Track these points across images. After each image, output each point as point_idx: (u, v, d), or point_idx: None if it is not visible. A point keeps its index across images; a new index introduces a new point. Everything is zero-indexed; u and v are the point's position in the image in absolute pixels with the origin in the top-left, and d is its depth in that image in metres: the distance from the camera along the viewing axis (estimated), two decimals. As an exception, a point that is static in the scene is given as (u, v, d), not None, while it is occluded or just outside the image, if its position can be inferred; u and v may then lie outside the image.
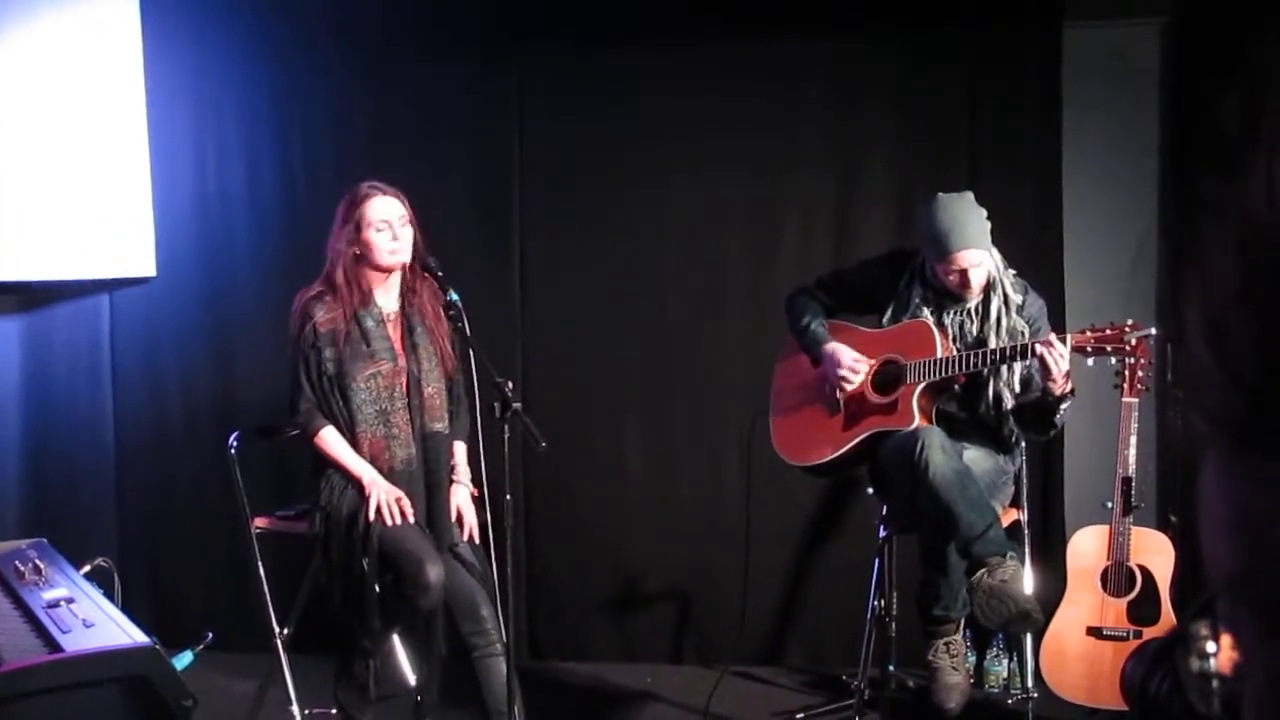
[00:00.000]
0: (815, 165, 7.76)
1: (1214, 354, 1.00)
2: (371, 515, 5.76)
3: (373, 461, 5.87)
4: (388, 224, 5.88)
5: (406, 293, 6.01)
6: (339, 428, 5.90)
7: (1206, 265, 1.01)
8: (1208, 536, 1.05)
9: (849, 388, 6.19)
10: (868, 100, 7.72)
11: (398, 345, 5.94)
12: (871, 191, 7.70)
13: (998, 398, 6.10)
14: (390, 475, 5.88)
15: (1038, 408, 5.97)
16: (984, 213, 6.02)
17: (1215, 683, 1.11)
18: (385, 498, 5.78)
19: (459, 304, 5.70)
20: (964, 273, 5.98)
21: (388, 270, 5.92)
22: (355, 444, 5.88)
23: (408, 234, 5.92)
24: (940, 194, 6.05)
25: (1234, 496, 1.02)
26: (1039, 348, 5.71)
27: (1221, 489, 1.03)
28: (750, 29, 7.73)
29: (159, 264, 8.11)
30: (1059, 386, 5.74)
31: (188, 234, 8.13)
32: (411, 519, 5.81)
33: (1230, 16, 4.41)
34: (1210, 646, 1.10)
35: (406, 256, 5.91)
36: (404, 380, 5.92)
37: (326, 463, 5.94)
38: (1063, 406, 5.88)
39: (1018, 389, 6.08)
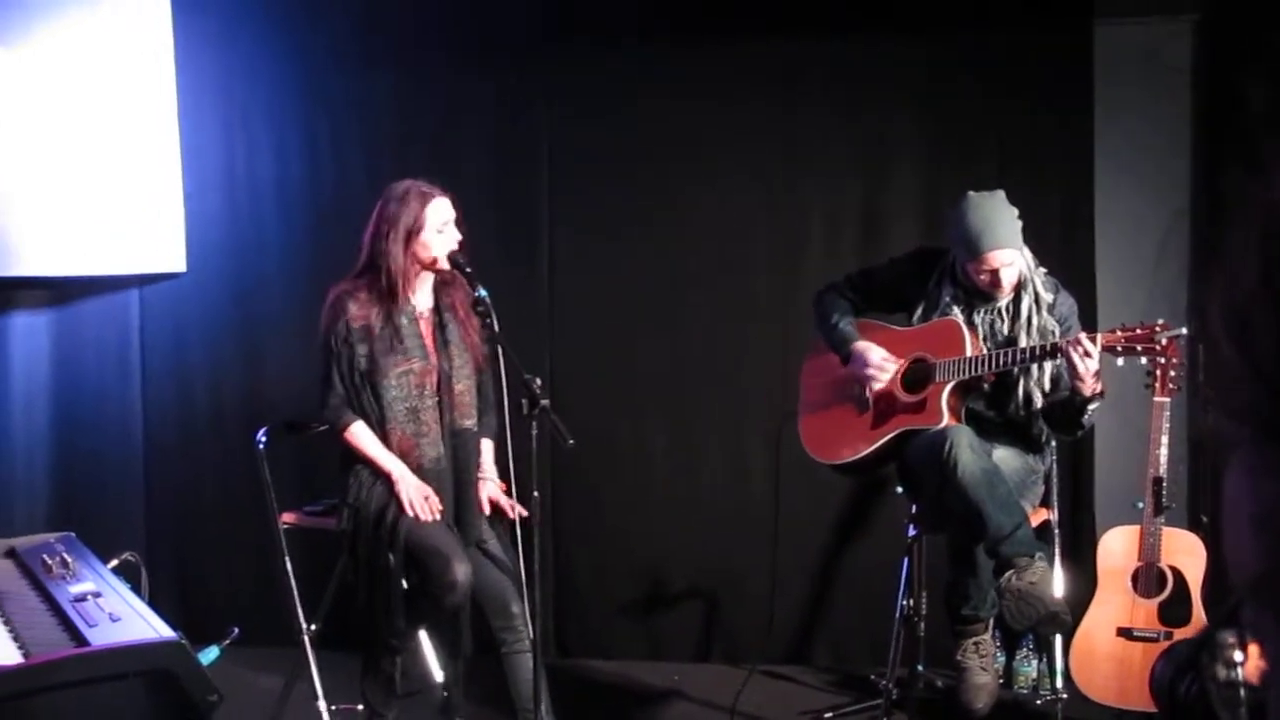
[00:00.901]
0: (843, 165, 7.75)
1: (1238, 349, 0.98)
2: (405, 508, 5.76)
3: (402, 458, 5.87)
4: (447, 225, 5.89)
5: (440, 291, 6.01)
6: (369, 424, 5.90)
7: (1230, 261, 1.00)
8: (1232, 537, 1.03)
9: (877, 386, 6.17)
10: (896, 100, 7.70)
11: (429, 343, 5.94)
12: (900, 191, 7.69)
13: (1027, 397, 6.07)
14: (419, 472, 5.88)
15: (1066, 407, 5.94)
16: (1015, 212, 5.98)
17: (1242, 691, 1.10)
18: (414, 494, 5.78)
19: (488, 300, 5.68)
20: (995, 272, 5.95)
21: (434, 266, 5.91)
22: (385, 440, 5.88)
23: (457, 235, 5.92)
24: (971, 193, 6.02)
25: (1260, 492, 1.00)
26: (1065, 346, 5.68)
27: (1247, 486, 1.01)
28: (778, 31, 7.72)
29: (188, 260, 8.13)
30: (1087, 387, 5.71)
31: (217, 230, 8.15)
32: (439, 516, 5.81)
33: (1263, 13, 4.39)
34: (1238, 655, 1.09)
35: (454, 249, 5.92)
36: (435, 378, 5.92)
37: (354, 459, 5.94)
38: (1090, 407, 5.84)
39: (1048, 388, 6.05)
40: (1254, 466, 1.00)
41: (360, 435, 5.89)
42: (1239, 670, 1.06)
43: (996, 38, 7.56)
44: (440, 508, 5.82)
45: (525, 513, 6.03)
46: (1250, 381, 0.97)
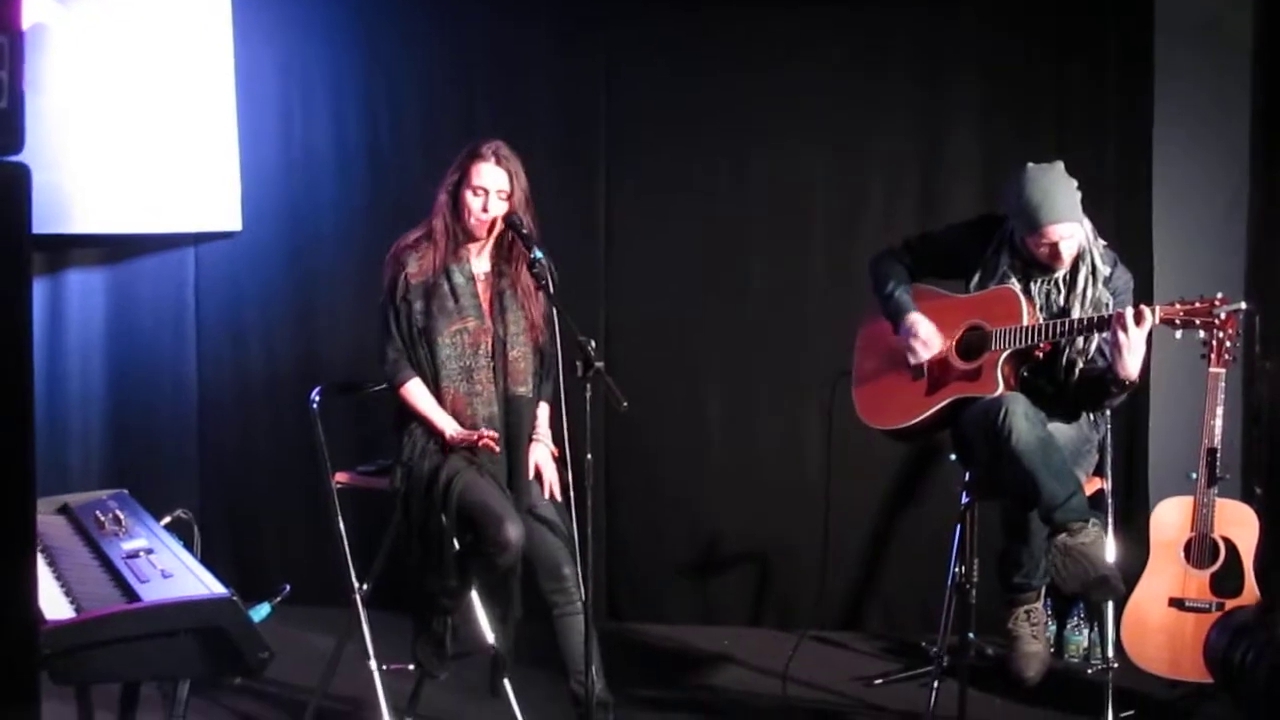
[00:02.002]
0: (901, 133, 7.74)
1: None
2: (463, 439, 5.79)
3: (455, 417, 5.88)
4: (485, 192, 5.88)
5: (500, 257, 6.01)
6: (424, 380, 5.91)
7: None
8: None
9: (914, 361, 6.15)
10: (955, 68, 7.69)
11: (485, 305, 5.94)
12: (957, 160, 7.67)
13: (1070, 365, 6.03)
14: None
15: (1096, 383, 5.90)
16: (1074, 183, 5.93)
17: None
18: (466, 434, 5.81)
19: (544, 261, 5.67)
20: (1055, 245, 5.90)
21: (474, 230, 5.91)
22: (439, 398, 5.89)
23: (499, 208, 5.91)
24: (1030, 165, 5.97)
25: None
26: (1113, 319, 5.63)
27: None
28: (838, -4, 7.71)
29: (244, 219, 8.15)
30: (1124, 366, 5.65)
31: (273, 189, 8.17)
32: (498, 448, 5.83)
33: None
34: None
35: (486, 227, 5.92)
36: (489, 340, 5.92)
37: (409, 419, 5.95)
38: (1115, 390, 5.80)
39: (1090, 358, 6.01)
40: None
41: (415, 392, 5.90)
42: None
43: (1058, 6, 7.52)
44: (496, 434, 5.84)
45: (559, 497, 6.06)
46: None
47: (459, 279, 5.89)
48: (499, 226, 5.91)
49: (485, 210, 5.88)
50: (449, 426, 5.85)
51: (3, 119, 2.37)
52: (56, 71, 7.32)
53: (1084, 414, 6.18)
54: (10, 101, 2.38)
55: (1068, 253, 5.94)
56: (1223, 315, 5.63)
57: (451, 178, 5.92)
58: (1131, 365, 5.64)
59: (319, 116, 8.17)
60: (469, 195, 5.88)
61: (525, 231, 5.81)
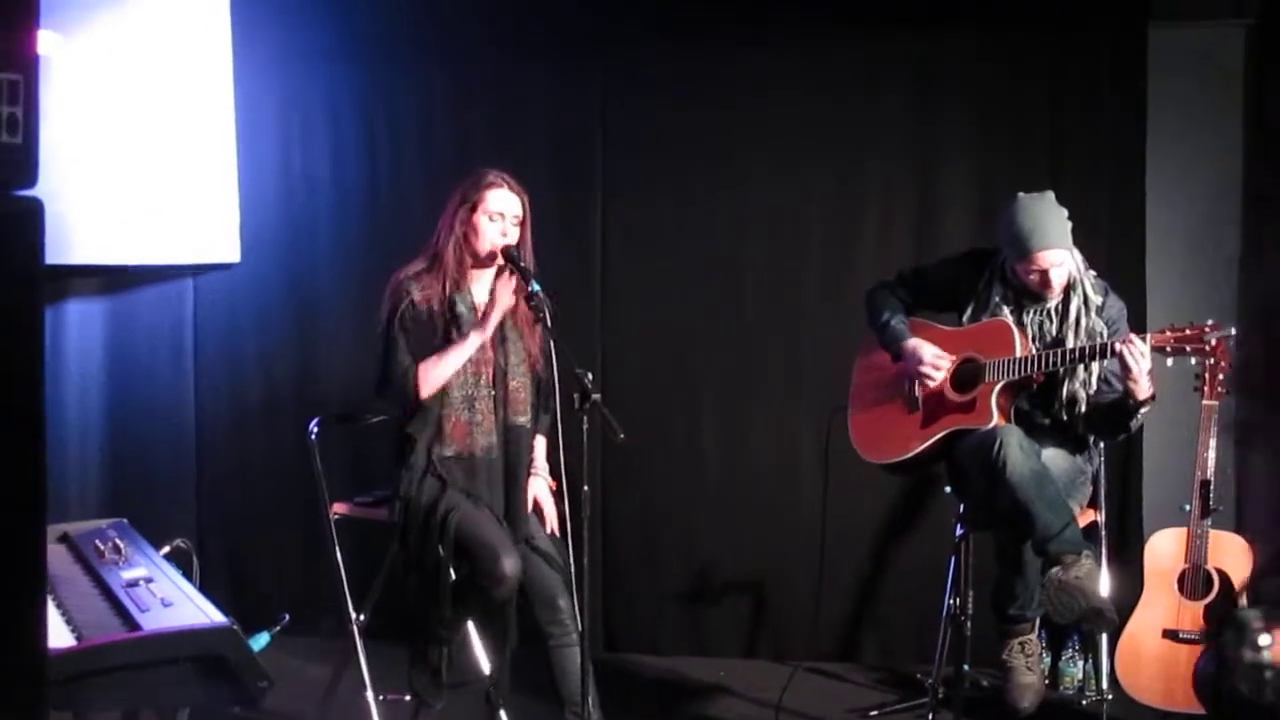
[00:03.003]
0: (895, 163, 7.77)
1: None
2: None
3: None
4: (501, 216, 5.91)
5: (498, 284, 6.03)
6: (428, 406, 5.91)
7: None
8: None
9: (930, 384, 6.18)
10: (949, 99, 7.72)
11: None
12: (951, 190, 7.70)
13: (1072, 398, 6.07)
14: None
15: (1116, 410, 5.94)
16: (1065, 212, 5.99)
17: (1269, 673, 1.12)
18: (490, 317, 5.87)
19: (541, 295, 5.70)
20: (1045, 273, 5.95)
21: (485, 258, 5.94)
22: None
23: (516, 234, 5.94)
24: (1021, 194, 6.04)
25: None
26: (1119, 345, 5.68)
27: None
28: (832, 27, 7.74)
29: (243, 250, 8.17)
30: (1140, 390, 5.71)
31: (271, 221, 8.19)
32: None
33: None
34: (1265, 639, 1.10)
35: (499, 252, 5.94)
36: (490, 371, 5.94)
37: (406, 450, 5.95)
38: (1141, 411, 5.85)
39: (1093, 389, 6.05)
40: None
41: (429, 366, 5.89)
42: (1266, 652, 1.08)
43: (1051, 38, 7.57)
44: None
45: (557, 533, 6.09)
46: None
47: (462, 309, 5.91)
48: (498, 260, 5.93)
49: (504, 235, 5.91)
50: (477, 332, 5.88)
51: (17, 154, 2.41)
52: (57, 102, 7.34)
53: (1088, 444, 6.23)
54: (25, 137, 2.41)
55: (1057, 280, 5.98)
56: (1213, 341, 5.68)
57: (461, 206, 5.93)
58: (1147, 385, 5.70)
59: (318, 148, 8.19)
60: (484, 221, 5.89)
61: (523, 265, 5.84)
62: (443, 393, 5.88)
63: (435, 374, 5.85)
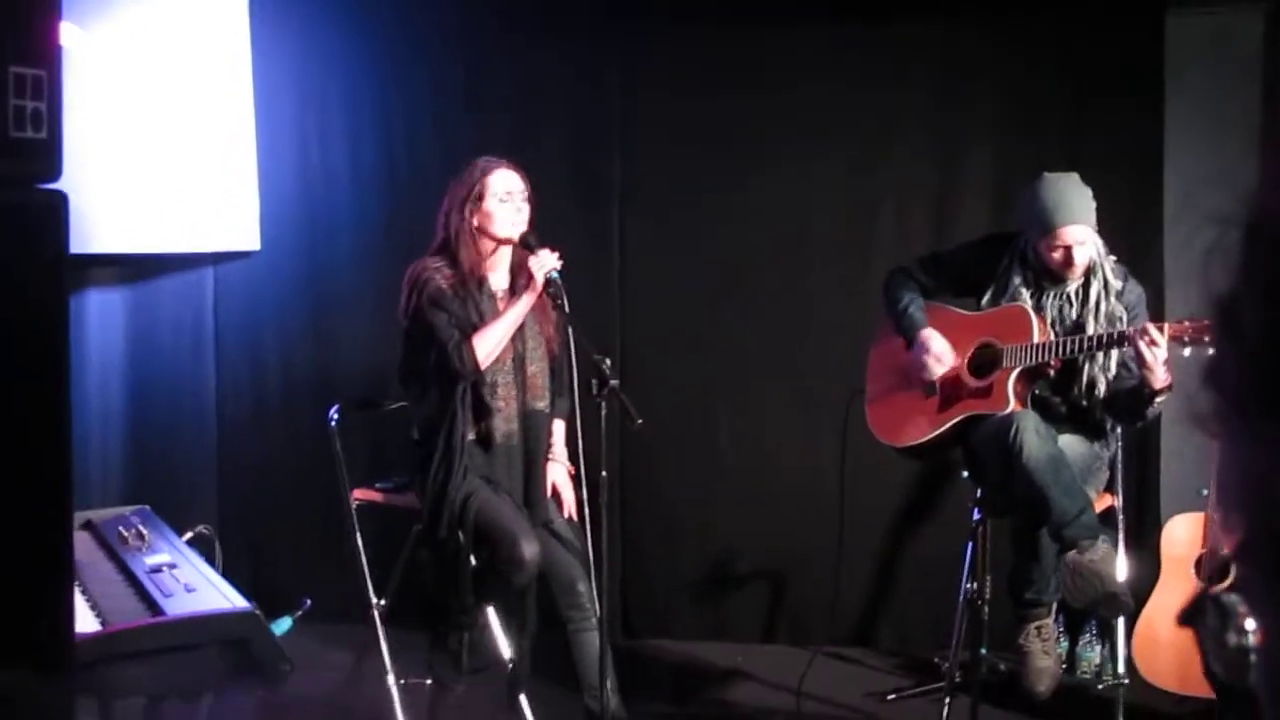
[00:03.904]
0: (915, 151, 7.77)
1: (1226, 331, 1.05)
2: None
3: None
4: (510, 195, 5.94)
5: (516, 272, 6.05)
6: (458, 386, 5.93)
7: (1225, 249, 1.07)
8: (1225, 511, 1.10)
9: (928, 376, 6.20)
10: (968, 87, 7.72)
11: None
12: (971, 178, 7.70)
13: (1091, 383, 6.07)
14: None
15: (1133, 397, 5.94)
16: (1089, 192, 5.99)
17: (1252, 656, 1.14)
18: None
19: (559, 281, 5.73)
20: (1068, 250, 5.95)
21: (505, 242, 5.96)
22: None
23: (527, 210, 5.97)
24: (1046, 173, 6.05)
25: (1247, 465, 1.06)
26: (1134, 335, 5.68)
27: (1236, 461, 1.07)
28: (852, 14, 7.74)
29: (263, 238, 8.20)
30: (1156, 378, 5.70)
31: (291, 209, 8.21)
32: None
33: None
34: (1249, 622, 1.13)
35: (524, 228, 5.96)
36: (510, 356, 5.97)
37: (429, 435, 5.98)
38: (1157, 400, 5.84)
39: (1112, 375, 6.06)
40: (1239, 441, 1.06)
41: (481, 334, 5.86)
42: (1249, 636, 1.10)
43: (1069, 25, 7.57)
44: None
45: (575, 518, 6.12)
46: (1238, 364, 1.04)
47: (483, 296, 5.94)
48: (515, 241, 5.96)
49: (519, 211, 5.94)
50: (529, 293, 5.87)
51: (41, 148, 2.45)
52: (78, 93, 7.37)
53: (1105, 430, 6.24)
54: (49, 132, 2.45)
55: (1080, 259, 5.97)
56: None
57: (467, 197, 5.95)
58: (1163, 374, 5.69)
59: (337, 137, 8.22)
60: (496, 204, 5.92)
61: (539, 246, 5.87)
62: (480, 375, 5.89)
63: (489, 341, 5.85)
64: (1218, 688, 6.05)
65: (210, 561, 4.61)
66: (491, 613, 6.11)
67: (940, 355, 6.17)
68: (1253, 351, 1.03)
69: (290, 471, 8.26)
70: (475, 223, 5.93)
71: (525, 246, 5.89)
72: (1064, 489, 5.72)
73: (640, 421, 5.35)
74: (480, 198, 5.93)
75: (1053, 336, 6.00)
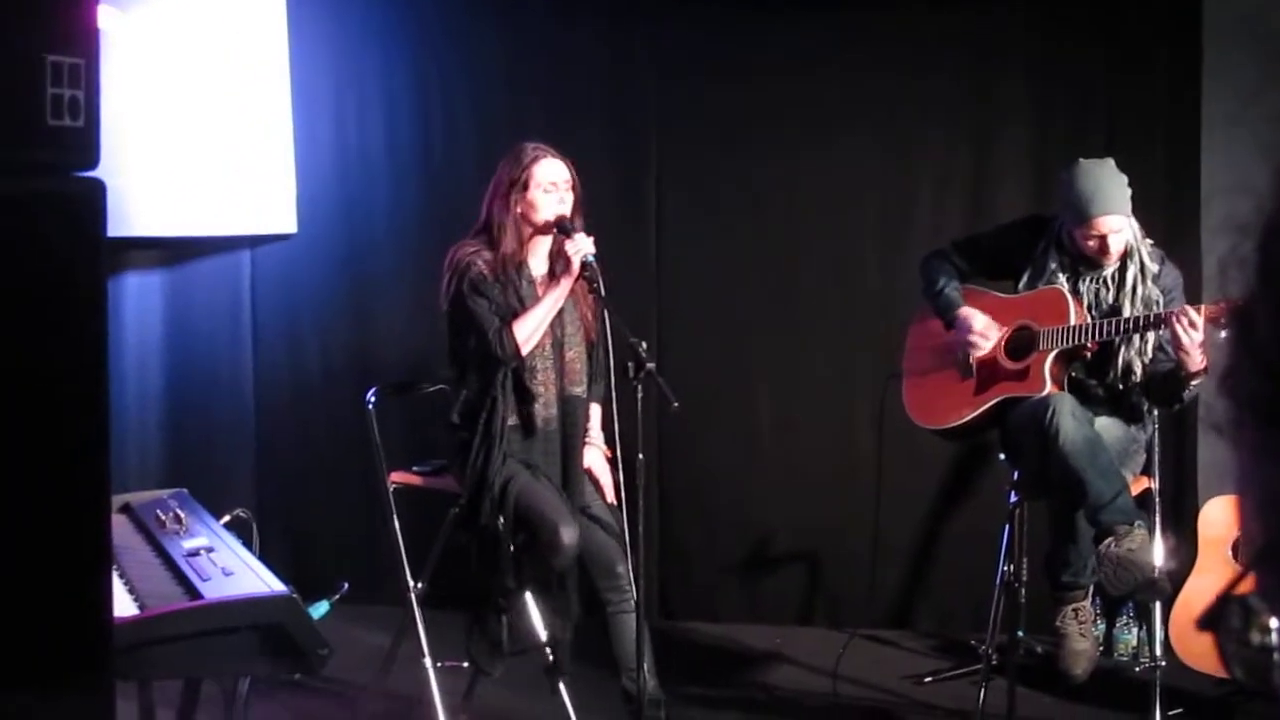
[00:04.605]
0: (950, 133, 7.77)
1: (1242, 341, 1.04)
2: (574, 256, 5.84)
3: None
4: (555, 185, 5.93)
5: (555, 258, 6.05)
6: (499, 370, 5.94)
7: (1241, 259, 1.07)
8: (1245, 517, 1.09)
9: (977, 354, 6.19)
10: (1003, 69, 7.71)
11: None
12: (1006, 160, 7.69)
13: (1128, 367, 6.06)
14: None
15: (1169, 380, 5.93)
16: (1125, 179, 5.98)
17: (1275, 655, 1.14)
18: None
19: (594, 265, 5.74)
20: (1103, 238, 5.94)
21: (545, 229, 5.96)
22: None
23: (571, 199, 5.97)
24: (1082, 160, 6.03)
25: (1265, 474, 1.06)
26: (1171, 316, 5.67)
27: (1254, 469, 1.07)
28: (886, -1, 7.75)
29: (300, 221, 8.22)
30: (1192, 361, 5.68)
31: (328, 191, 8.23)
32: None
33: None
34: (1274, 621, 1.13)
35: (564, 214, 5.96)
36: (548, 341, 5.98)
37: (468, 420, 5.99)
38: (1194, 383, 5.82)
39: (1149, 357, 6.05)
40: (1258, 451, 1.06)
41: (522, 320, 5.88)
42: (1273, 635, 1.10)
43: (1104, 6, 7.55)
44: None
45: (613, 501, 6.12)
46: (1252, 372, 1.04)
47: (523, 282, 5.95)
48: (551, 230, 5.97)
49: (562, 203, 5.94)
50: (566, 277, 5.87)
51: (79, 137, 2.46)
52: (115, 76, 7.38)
53: (1142, 413, 6.23)
54: (86, 120, 2.46)
55: (1115, 247, 5.97)
56: (1269, 311, 5.65)
57: (513, 184, 5.95)
58: (1199, 358, 5.67)
59: (373, 119, 8.22)
60: (539, 194, 5.91)
61: (577, 232, 5.87)
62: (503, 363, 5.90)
63: (528, 326, 5.85)
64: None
65: (247, 545, 4.60)
66: (529, 597, 6.12)
67: (985, 331, 6.16)
68: (1269, 361, 1.02)
69: (327, 455, 8.28)
70: (519, 210, 5.93)
71: (561, 231, 5.89)
72: (1100, 472, 5.70)
73: (677, 405, 5.35)
74: (525, 186, 5.92)
75: (1089, 319, 5.99)
